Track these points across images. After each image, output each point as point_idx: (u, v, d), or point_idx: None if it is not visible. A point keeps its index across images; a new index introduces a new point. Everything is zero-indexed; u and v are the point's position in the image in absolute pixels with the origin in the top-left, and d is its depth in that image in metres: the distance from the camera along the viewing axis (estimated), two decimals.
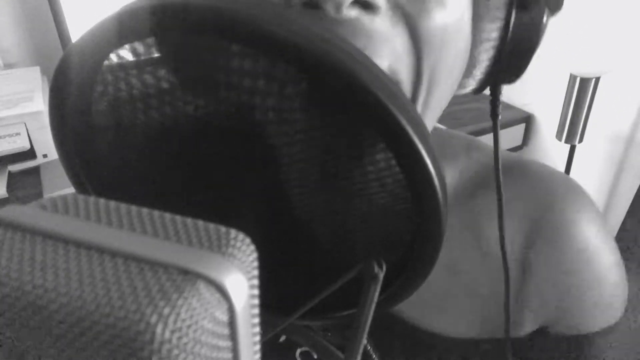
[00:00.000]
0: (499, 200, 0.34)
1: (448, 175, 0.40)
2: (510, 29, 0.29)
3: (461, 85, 0.32)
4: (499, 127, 0.34)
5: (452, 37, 0.27)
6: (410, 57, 0.27)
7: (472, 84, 0.32)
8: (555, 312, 0.38)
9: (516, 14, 0.28)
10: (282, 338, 0.40)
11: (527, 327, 0.39)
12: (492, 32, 0.29)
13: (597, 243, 0.38)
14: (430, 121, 0.30)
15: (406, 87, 0.27)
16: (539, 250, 0.38)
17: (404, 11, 0.26)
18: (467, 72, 0.31)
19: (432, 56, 0.27)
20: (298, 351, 0.40)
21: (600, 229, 0.39)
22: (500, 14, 0.29)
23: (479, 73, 0.31)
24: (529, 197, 0.38)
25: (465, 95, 0.35)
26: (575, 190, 0.39)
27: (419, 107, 0.28)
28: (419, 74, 0.27)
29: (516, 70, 0.31)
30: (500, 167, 0.34)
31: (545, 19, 0.29)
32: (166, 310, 0.13)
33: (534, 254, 0.38)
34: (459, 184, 0.40)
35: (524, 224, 0.38)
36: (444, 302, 0.39)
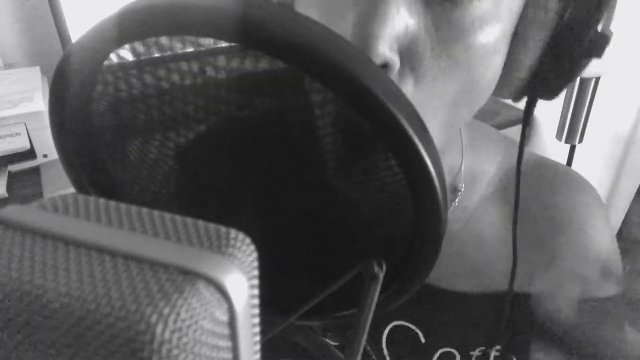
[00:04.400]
0: (517, 184, 0.39)
1: (488, 167, 0.46)
2: (547, 59, 0.32)
3: (497, 93, 0.35)
4: (525, 136, 0.38)
5: (490, 56, 0.30)
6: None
7: (506, 95, 0.36)
8: (555, 285, 0.43)
9: (552, 54, 0.31)
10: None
11: (535, 285, 0.44)
12: (527, 60, 0.32)
13: (608, 245, 0.44)
14: (468, 114, 0.34)
15: None
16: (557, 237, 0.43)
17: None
18: (500, 84, 0.34)
19: (466, 73, 0.30)
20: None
21: (610, 234, 0.45)
22: (536, 52, 0.32)
23: (511, 88, 0.35)
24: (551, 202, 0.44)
25: None
26: (600, 209, 0.45)
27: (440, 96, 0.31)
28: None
29: (550, 94, 0.34)
30: (520, 166, 0.39)
31: (584, 62, 0.31)
32: (166, 310, 0.13)
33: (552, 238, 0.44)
34: (496, 176, 0.46)
35: (545, 216, 0.44)
36: (463, 265, 0.43)
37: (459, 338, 0.43)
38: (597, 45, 0.31)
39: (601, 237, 0.44)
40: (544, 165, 0.47)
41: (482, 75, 0.31)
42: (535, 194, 0.45)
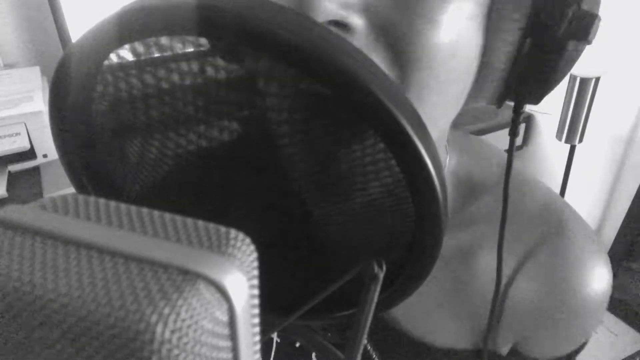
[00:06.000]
0: (504, 211, 0.34)
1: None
2: (524, 53, 0.28)
3: (469, 102, 0.32)
4: (514, 146, 0.33)
5: (444, 57, 0.26)
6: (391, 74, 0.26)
7: (482, 102, 0.32)
8: (529, 334, 0.39)
9: (531, 40, 0.27)
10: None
11: (505, 345, 0.40)
12: (502, 56, 0.28)
13: (600, 306, 0.38)
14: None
15: None
16: (529, 277, 0.38)
17: (385, 31, 0.25)
18: (474, 92, 0.31)
19: (417, 75, 0.26)
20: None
21: (606, 295, 0.38)
22: (512, 38, 0.28)
23: (487, 94, 0.31)
24: (531, 229, 0.39)
25: None
26: (577, 223, 0.39)
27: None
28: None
29: (537, 95, 0.30)
30: (508, 183, 0.34)
31: (569, 47, 0.27)
32: (166, 310, 0.13)
33: (525, 279, 0.38)
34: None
35: (519, 249, 0.38)
36: (435, 315, 0.40)
37: None
38: (581, 25, 0.26)
39: (601, 315, 0.39)
40: (558, 232, 0.38)
41: (449, 69, 0.26)
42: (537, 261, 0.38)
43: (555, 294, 0.37)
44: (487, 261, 0.38)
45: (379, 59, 0.25)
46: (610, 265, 0.38)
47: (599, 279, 0.37)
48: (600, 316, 0.39)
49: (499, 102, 0.32)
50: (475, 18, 0.27)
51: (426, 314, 0.40)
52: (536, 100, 0.30)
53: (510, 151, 0.33)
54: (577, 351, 0.40)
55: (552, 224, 0.38)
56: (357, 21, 0.25)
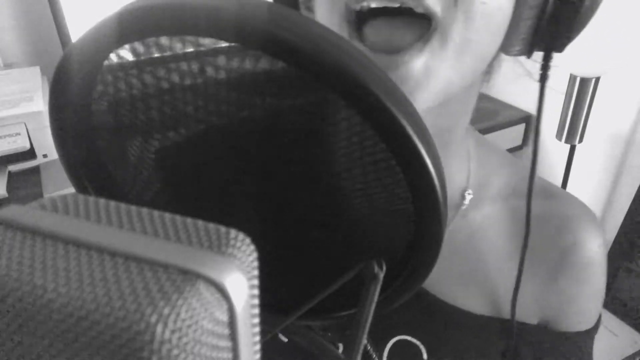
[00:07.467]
0: (531, 179, 0.38)
1: (494, 179, 0.45)
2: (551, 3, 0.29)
3: (506, 45, 0.33)
4: (545, 91, 0.34)
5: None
6: None
7: (516, 45, 0.32)
8: (556, 312, 0.44)
9: None
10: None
11: (532, 318, 0.44)
12: (532, 5, 0.29)
13: (600, 262, 0.44)
14: (468, 68, 0.31)
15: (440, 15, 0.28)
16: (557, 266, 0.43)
17: None
18: (511, 31, 0.32)
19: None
20: None
21: (603, 252, 0.44)
22: None
23: (523, 32, 0.31)
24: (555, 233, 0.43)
25: None
26: (594, 223, 0.45)
27: (454, 45, 0.29)
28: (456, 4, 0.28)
29: (566, 36, 0.31)
30: (539, 133, 0.36)
31: None
32: (166, 310, 0.13)
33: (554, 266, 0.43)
34: (504, 191, 0.45)
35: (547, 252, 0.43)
36: (466, 281, 0.43)
37: (462, 355, 0.42)
38: None
39: (602, 277, 0.45)
40: (554, 196, 0.45)
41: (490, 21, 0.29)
42: (543, 229, 0.43)
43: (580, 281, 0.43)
44: (494, 242, 0.43)
45: None
46: (600, 228, 0.44)
47: (592, 237, 0.43)
48: (603, 270, 0.44)
49: (529, 51, 0.33)
50: None
51: (452, 281, 0.43)
52: (562, 46, 0.32)
53: (541, 98, 0.34)
54: (596, 327, 0.45)
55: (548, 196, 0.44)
56: None
